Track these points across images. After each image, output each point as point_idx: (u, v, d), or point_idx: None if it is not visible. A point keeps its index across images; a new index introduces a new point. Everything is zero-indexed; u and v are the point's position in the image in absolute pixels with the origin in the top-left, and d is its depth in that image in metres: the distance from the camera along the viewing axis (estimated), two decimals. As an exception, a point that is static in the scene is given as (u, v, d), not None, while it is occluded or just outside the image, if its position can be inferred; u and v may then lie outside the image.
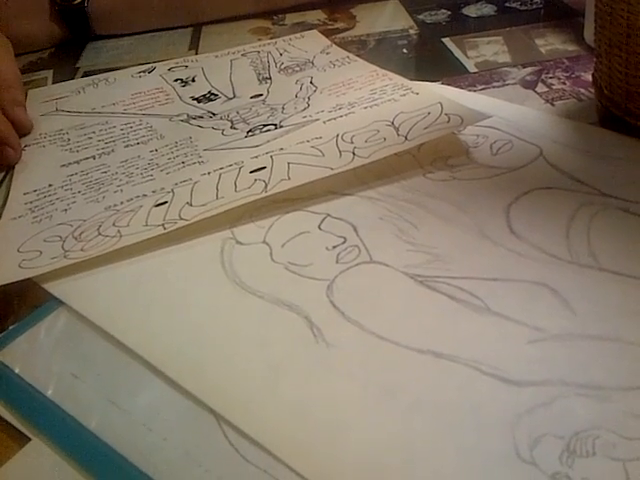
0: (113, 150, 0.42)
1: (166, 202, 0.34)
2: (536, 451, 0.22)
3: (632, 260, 0.29)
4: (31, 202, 0.37)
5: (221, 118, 0.43)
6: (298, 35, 0.55)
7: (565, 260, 0.29)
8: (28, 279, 0.30)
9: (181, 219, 0.32)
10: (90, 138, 0.43)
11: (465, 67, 0.50)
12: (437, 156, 0.36)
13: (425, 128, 0.35)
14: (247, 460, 0.22)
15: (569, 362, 0.24)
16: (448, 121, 0.36)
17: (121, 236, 0.32)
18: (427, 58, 0.53)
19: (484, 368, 0.25)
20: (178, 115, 0.45)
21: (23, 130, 0.44)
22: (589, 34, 0.51)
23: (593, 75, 0.41)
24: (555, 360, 0.25)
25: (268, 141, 0.38)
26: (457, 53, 0.52)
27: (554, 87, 0.46)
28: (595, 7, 0.39)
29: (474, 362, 0.25)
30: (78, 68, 0.55)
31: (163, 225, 0.32)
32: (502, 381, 0.24)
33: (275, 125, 0.40)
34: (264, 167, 0.35)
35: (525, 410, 0.23)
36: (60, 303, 0.29)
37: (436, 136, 0.35)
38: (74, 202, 0.36)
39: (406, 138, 0.35)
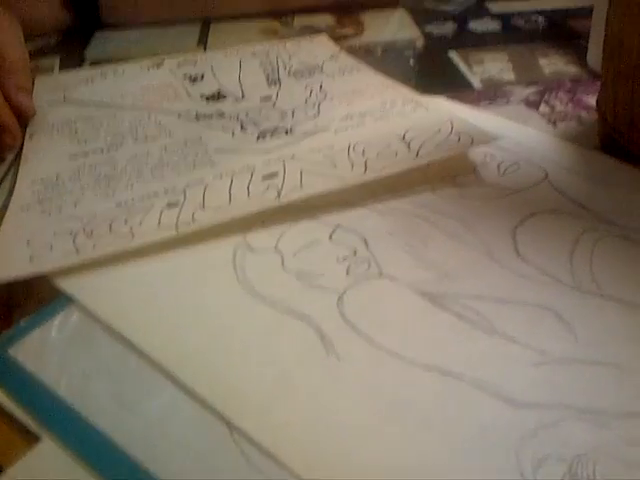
0: (122, 144, 0.42)
1: (178, 203, 0.34)
2: (539, 473, 0.22)
3: (632, 288, 0.30)
4: (39, 192, 0.37)
5: (230, 119, 0.44)
6: (307, 38, 0.56)
7: (569, 285, 0.30)
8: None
9: (194, 222, 0.32)
10: (98, 130, 0.43)
11: (470, 82, 0.51)
12: (446, 173, 0.36)
13: (436, 146, 0.36)
14: (258, 469, 0.23)
15: (571, 386, 0.25)
16: (458, 140, 0.36)
17: (133, 235, 0.32)
18: (433, 71, 0.53)
19: (489, 388, 0.25)
20: (187, 113, 0.45)
21: (25, 116, 0.44)
22: (592, 58, 0.52)
23: (597, 102, 0.42)
24: (557, 384, 0.25)
25: (279, 147, 0.39)
26: (462, 67, 0.53)
27: (556, 109, 0.47)
28: (605, 36, 0.40)
29: (480, 382, 0.26)
30: (85, 57, 0.55)
31: (176, 227, 0.32)
32: (506, 402, 0.25)
33: (286, 130, 0.41)
34: (276, 173, 0.35)
35: (528, 432, 0.24)
36: (71, 299, 0.30)
37: (447, 155, 0.35)
38: (83, 195, 0.36)
39: (417, 154, 0.36)
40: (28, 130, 0.44)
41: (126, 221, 0.33)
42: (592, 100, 0.46)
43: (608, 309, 0.29)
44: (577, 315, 0.28)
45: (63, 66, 0.53)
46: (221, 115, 0.44)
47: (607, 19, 0.39)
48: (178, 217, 0.33)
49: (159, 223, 0.33)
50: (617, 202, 0.35)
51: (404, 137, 0.38)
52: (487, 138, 0.37)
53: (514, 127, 0.41)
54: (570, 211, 0.34)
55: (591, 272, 0.30)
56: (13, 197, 0.37)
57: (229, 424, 0.24)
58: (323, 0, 0.62)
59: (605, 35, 0.39)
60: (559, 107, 0.47)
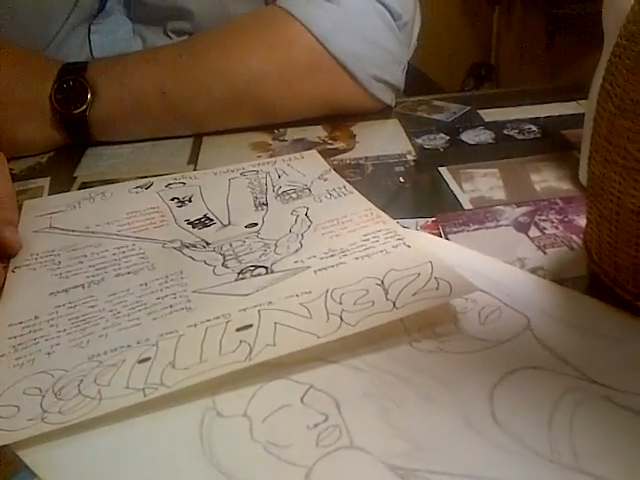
0: (103, 279, 0.41)
1: (149, 358, 0.34)
2: None
3: (611, 462, 0.28)
4: (15, 337, 0.37)
5: (214, 250, 0.44)
6: (297, 155, 0.56)
7: (546, 458, 0.28)
8: None
9: (162, 384, 0.32)
10: (81, 262, 0.43)
11: (460, 202, 0.50)
12: (425, 322, 0.36)
13: (414, 294, 0.36)
14: None
15: None
16: (437, 288, 0.36)
17: (101, 399, 0.31)
18: (422, 189, 0.53)
19: None
20: (172, 241, 0.45)
21: (10, 251, 0.44)
22: (584, 175, 0.52)
23: (584, 238, 0.42)
24: None
25: (257, 290, 0.38)
26: (453, 185, 0.53)
27: (547, 232, 0.46)
28: (588, 177, 0.39)
29: None
30: (76, 177, 0.55)
31: (144, 390, 0.31)
32: None
33: (266, 268, 0.40)
34: (250, 325, 0.35)
35: None
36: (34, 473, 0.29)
37: (424, 307, 0.35)
38: (58, 344, 0.36)
39: (394, 305, 0.35)
40: (12, 262, 0.44)
41: (95, 380, 0.32)
42: (583, 221, 0.45)
43: (586, 489, 0.27)
44: (554, 497, 0.27)
45: (53, 186, 0.54)
46: (205, 245, 0.44)
47: (589, 161, 0.39)
48: (147, 377, 0.32)
49: (128, 384, 0.32)
50: (601, 356, 0.34)
51: (383, 281, 0.37)
52: (466, 289, 0.36)
53: (497, 266, 0.41)
54: (552, 367, 0.33)
55: (570, 442, 0.29)
56: (-11, 343, 0.37)
57: None
58: (314, 113, 0.62)
59: (588, 177, 0.39)
60: (549, 230, 0.47)
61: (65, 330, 0.37)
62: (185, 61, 0.58)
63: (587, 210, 0.40)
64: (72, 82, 0.56)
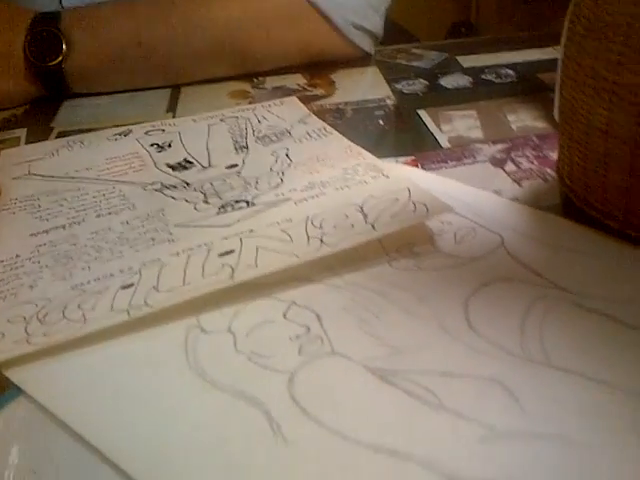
0: (84, 220, 0.42)
1: (133, 284, 0.34)
2: None
3: (581, 357, 0.29)
4: (-3, 275, 0.37)
5: (195, 189, 0.44)
6: (277, 101, 0.56)
7: (518, 356, 0.30)
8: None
9: (146, 305, 0.32)
10: (61, 205, 0.43)
11: (438, 142, 0.51)
12: (403, 242, 0.36)
13: (392, 216, 0.36)
14: None
15: (516, 461, 0.25)
16: (414, 210, 0.36)
17: (85, 321, 0.32)
18: (402, 131, 0.54)
19: (436, 467, 0.25)
20: (152, 184, 0.45)
21: None
22: (558, 113, 0.53)
23: (556, 163, 0.43)
24: (503, 459, 0.25)
25: (239, 220, 0.39)
26: (431, 127, 0.54)
27: (522, 166, 0.47)
28: (559, 100, 0.40)
29: (427, 461, 0.25)
30: (52, 128, 0.55)
31: (128, 311, 0.32)
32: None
33: (247, 202, 0.41)
34: (232, 250, 0.35)
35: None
36: (21, 390, 0.29)
37: (401, 227, 0.35)
38: (41, 278, 0.36)
39: (373, 227, 0.36)
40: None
41: (79, 306, 0.33)
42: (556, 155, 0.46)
43: (556, 380, 0.28)
44: (525, 387, 0.28)
45: (30, 137, 0.54)
46: (186, 185, 0.45)
47: (560, 84, 0.39)
48: (131, 300, 0.33)
49: (112, 307, 0.32)
50: (571, 267, 0.35)
51: (362, 208, 0.38)
52: (442, 209, 0.37)
53: (472, 192, 0.41)
54: (524, 278, 0.34)
55: (541, 342, 0.30)
56: (-29, 281, 0.37)
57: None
58: (293, 60, 0.62)
59: (560, 103, 0.40)
60: (525, 165, 0.47)
61: (47, 266, 0.37)
62: (162, 11, 0.58)
63: (559, 136, 0.41)
64: (46, 33, 0.56)
